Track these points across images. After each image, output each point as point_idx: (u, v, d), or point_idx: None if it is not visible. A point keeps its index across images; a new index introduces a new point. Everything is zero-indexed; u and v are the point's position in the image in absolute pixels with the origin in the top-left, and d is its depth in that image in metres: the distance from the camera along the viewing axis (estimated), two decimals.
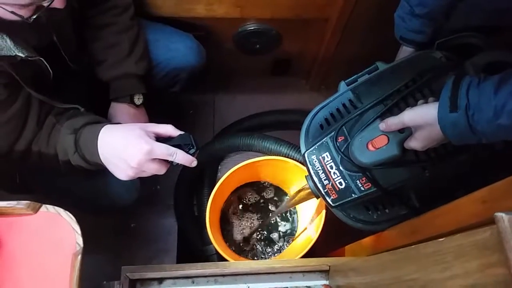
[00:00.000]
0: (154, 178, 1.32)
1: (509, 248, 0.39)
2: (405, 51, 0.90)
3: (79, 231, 0.64)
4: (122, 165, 0.73)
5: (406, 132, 0.72)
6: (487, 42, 0.80)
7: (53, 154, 0.77)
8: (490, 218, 0.42)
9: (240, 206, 1.25)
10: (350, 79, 0.88)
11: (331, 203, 0.81)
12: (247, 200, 1.26)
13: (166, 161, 0.75)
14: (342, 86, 0.87)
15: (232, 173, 1.09)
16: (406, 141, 0.72)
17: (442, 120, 0.64)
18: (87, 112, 0.83)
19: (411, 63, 0.85)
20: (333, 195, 0.81)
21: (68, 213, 0.65)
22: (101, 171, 0.77)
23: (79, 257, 0.62)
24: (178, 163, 0.75)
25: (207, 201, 1.06)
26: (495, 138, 0.60)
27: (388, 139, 0.73)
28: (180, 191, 1.28)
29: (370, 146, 0.74)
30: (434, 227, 0.62)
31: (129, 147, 0.72)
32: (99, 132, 0.74)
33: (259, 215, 1.24)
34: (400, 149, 0.73)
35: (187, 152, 0.75)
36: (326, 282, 0.86)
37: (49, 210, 0.65)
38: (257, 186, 1.27)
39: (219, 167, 1.34)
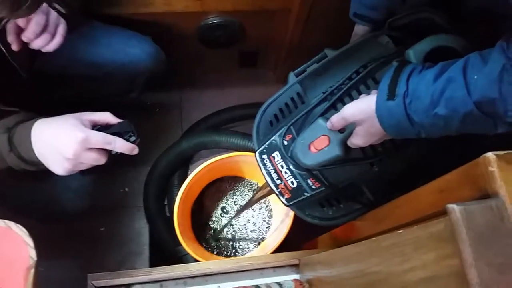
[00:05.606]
0: (122, 180, 1.30)
1: (461, 239, 0.38)
2: (358, 32, 0.85)
3: (31, 244, 0.61)
4: (58, 158, 0.69)
5: (347, 131, 0.68)
6: (440, 16, 0.76)
7: None
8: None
9: (213, 202, 1.23)
10: (299, 69, 0.83)
11: (285, 202, 0.78)
12: (220, 196, 1.24)
13: (106, 150, 0.72)
14: (291, 77, 0.83)
15: (201, 171, 1.07)
16: (349, 139, 0.69)
17: (379, 109, 0.59)
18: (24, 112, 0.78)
19: (356, 50, 0.80)
20: (287, 194, 0.77)
21: (20, 226, 0.62)
22: (47, 176, 0.73)
23: (32, 271, 0.59)
24: (118, 152, 0.72)
25: None
26: (434, 132, 0.57)
27: (330, 140, 0.69)
28: (149, 192, 1.25)
29: (312, 148, 0.70)
30: (396, 217, 0.62)
31: (62, 138, 0.68)
32: (31, 127, 0.69)
33: (233, 210, 1.23)
34: (342, 149, 0.69)
35: (128, 140, 0.72)
36: (296, 276, 0.86)
37: None
38: (230, 181, 1.25)
39: (190, 166, 1.32)
